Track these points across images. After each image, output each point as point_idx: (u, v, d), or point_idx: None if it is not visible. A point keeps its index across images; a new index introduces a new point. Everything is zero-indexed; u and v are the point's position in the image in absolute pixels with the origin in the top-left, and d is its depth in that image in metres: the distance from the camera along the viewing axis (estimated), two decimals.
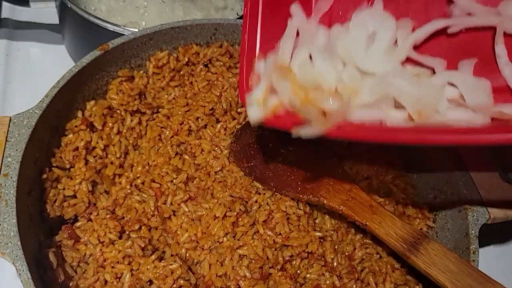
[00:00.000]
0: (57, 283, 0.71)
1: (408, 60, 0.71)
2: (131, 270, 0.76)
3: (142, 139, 0.91)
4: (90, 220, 0.81)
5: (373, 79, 0.66)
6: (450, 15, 0.70)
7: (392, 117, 0.64)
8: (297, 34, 0.74)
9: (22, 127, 0.75)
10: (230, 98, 0.96)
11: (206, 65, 1.01)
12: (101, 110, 0.88)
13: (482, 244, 0.80)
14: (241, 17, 1.10)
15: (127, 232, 0.80)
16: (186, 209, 0.83)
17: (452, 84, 0.66)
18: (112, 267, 0.76)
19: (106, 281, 0.75)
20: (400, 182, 0.91)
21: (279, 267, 0.78)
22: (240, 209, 0.81)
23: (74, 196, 0.81)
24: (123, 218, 0.81)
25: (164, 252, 0.79)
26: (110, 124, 0.88)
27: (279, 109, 0.67)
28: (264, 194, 0.85)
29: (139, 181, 0.85)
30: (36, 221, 0.76)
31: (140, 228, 0.80)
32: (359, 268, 0.82)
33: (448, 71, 0.68)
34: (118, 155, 0.87)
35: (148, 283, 0.75)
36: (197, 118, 0.94)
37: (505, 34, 0.66)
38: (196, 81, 0.99)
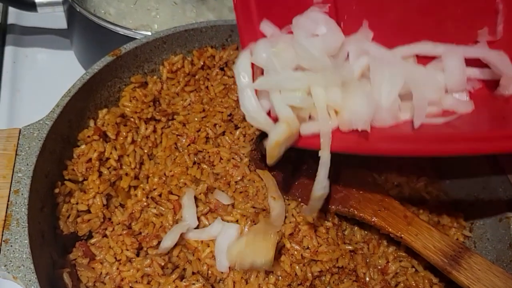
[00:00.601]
0: None
1: None
2: None
3: (158, 148, 0.86)
4: (105, 236, 0.76)
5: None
6: None
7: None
8: None
9: (32, 140, 0.70)
10: None
11: (222, 69, 0.96)
12: (114, 118, 0.83)
13: None
14: None
15: (145, 249, 0.75)
16: (207, 223, 0.78)
17: None
18: (130, 286, 0.71)
19: None
20: (433, 189, 0.86)
21: (308, 283, 0.73)
22: None
23: (88, 211, 0.76)
24: (140, 233, 0.76)
25: (184, 269, 0.74)
26: (124, 133, 0.83)
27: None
28: (289, 204, 0.79)
29: (155, 193, 0.80)
30: (49, 239, 0.71)
31: (158, 244, 0.75)
32: (393, 283, 0.76)
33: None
34: (133, 166, 0.82)
35: None
36: (215, 125, 0.89)
37: None
38: (212, 85, 0.94)
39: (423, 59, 0.73)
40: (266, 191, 0.80)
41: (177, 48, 0.93)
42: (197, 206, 0.79)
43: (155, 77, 0.92)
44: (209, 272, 0.74)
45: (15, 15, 1.30)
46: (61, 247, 0.74)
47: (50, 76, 1.21)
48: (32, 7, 1.13)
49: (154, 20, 1.05)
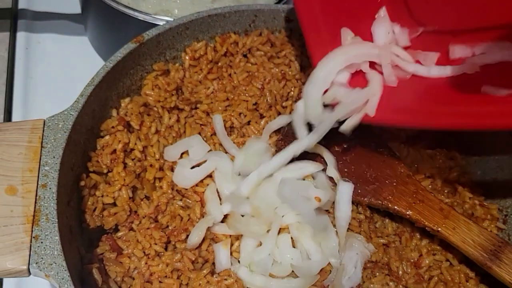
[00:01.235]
0: None
1: None
2: (180, 284, 0.69)
3: (181, 138, 0.83)
4: (131, 229, 0.74)
5: None
6: None
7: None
8: None
9: (57, 131, 0.67)
10: (274, 91, 0.88)
11: (245, 55, 0.93)
12: (137, 107, 0.81)
13: None
14: (280, 1, 1.02)
15: (173, 243, 0.73)
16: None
17: None
18: (160, 281, 0.69)
19: None
20: (466, 180, 0.83)
21: None
22: None
23: (114, 204, 0.74)
24: (167, 227, 0.74)
25: (213, 263, 0.72)
26: (148, 123, 0.81)
27: None
28: None
29: (180, 186, 0.78)
30: (76, 234, 0.69)
31: (186, 237, 0.73)
32: (426, 276, 0.74)
33: None
34: (157, 157, 0.79)
35: None
36: (240, 114, 0.87)
37: None
38: (235, 73, 0.91)
39: None
40: None
41: (200, 34, 0.90)
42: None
43: (177, 64, 0.89)
44: None
45: (26, 0, 1.26)
46: (87, 241, 0.72)
47: (64, 62, 1.18)
48: None
49: (173, 4, 1.01)
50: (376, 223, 0.78)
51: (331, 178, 0.77)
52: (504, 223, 0.80)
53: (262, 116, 0.87)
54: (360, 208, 0.77)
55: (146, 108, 0.83)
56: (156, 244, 0.71)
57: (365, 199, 0.76)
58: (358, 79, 0.75)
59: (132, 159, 0.78)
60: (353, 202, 0.77)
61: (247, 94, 0.88)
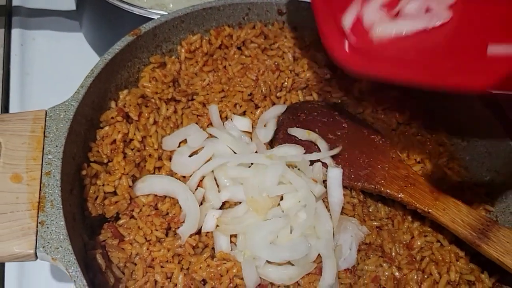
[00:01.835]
0: (108, 286, 0.66)
1: None
2: (181, 269, 0.71)
3: (179, 129, 0.85)
4: (132, 217, 0.76)
5: None
6: None
7: None
8: None
9: (59, 121, 0.69)
10: (269, 82, 0.90)
11: (239, 48, 0.95)
12: (135, 99, 0.83)
13: None
14: None
15: (173, 229, 0.75)
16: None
17: None
18: (162, 266, 0.71)
19: (156, 282, 0.70)
20: (454, 165, 0.86)
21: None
22: None
23: (115, 193, 0.76)
24: (167, 214, 0.76)
25: (213, 248, 0.74)
26: (146, 114, 0.83)
27: None
28: None
29: (179, 174, 0.80)
30: (79, 221, 0.71)
31: None
32: (418, 257, 0.77)
33: None
34: (156, 147, 0.81)
35: (202, 282, 0.70)
36: (235, 105, 0.89)
37: None
38: (230, 65, 0.93)
39: None
40: None
41: (195, 28, 0.92)
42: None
43: (173, 57, 0.91)
44: None
45: None
46: (89, 229, 0.74)
47: (59, 58, 1.19)
48: None
49: None
50: (370, 207, 0.81)
51: (325, 164, 0.80)
52: (492, 205, 0.83)
53: (257, 106, 0.90)
54: (353, 193, 0.80)
55: (144, 99, 0.85)
56: (157, 230, 0.73)
57: (359, 183, 0.78)
58: None
59: (132, 149, 0.80)
60: (346, 187, 0.79)
61: (242, 85, 0.90)
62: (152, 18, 0.88)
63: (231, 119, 0.86)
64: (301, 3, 0.94)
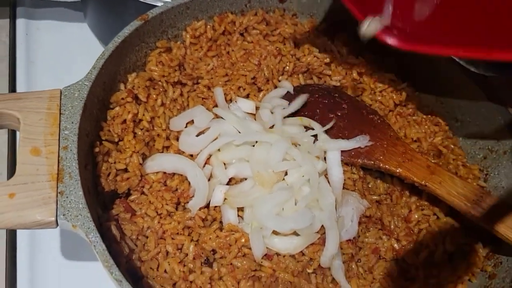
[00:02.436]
0: (123, 256, 0.69)
1: None
2: (191, 240, 0.74)
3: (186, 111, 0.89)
4: (143, 193, 0.79)
5: None
6: None
7: None
8: None
9: (74, 100, 0.72)
10: (271, 66, 0.94)
11: (241, 34, 0.99)
12: (144, 82, 0.86)
13: None
14: None
15: (182, 204, 0.79)
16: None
17: None
18: (172, 238, 0.74)
19: (167, 253, 0.73)
20: (449, 143, 0.90)
21: None
22: None
23: (126, 170, 0.79)
24: (176, 190, 0.79)
25: (221, 222, 0.78)
26: (154, 96, 0.86)
27: None
28: None
29: (187, 153, 0.83)
30: (93, 196, 0.74)
31: None
32: (416, 230, 0.81)
33: None
34: (164, 127, 0.85)
35: (212, 252, 0.74)
36: (239, 88, 0.92)
37: None
38: (233, 50, 0.97)
39: None
40: None
41: (199, 14, 0.95)
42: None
43: (178, 42, 0.94)
44: None
45: None
46: (102, 205, 0.77)
47: (63, 47, 1.22)
48: None
49: None
50: (369, 184, 0.85)
51: None
52: (485, 181, 0.88)
53: (260, 90, 0.93)
54: (354, 169, 0.84)
55: (151, 82, 0.88)
56: (167, 204, 0.77)
57: (359, 160, 0.82)
58: None
59: (141, 129, 0.83)
60: (347, 164, 0.83)
61: (245, 70, 0.94)
62: (156, 6, 0.91)
63: (236, 101, 0.89)
64: None
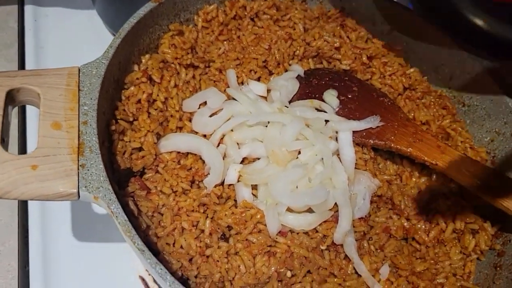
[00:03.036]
0: (141, 230, 0.70)
1: None
2: (207, 217, 0.75)
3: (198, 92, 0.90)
4: (157, 172, 0.80)
5: None
6: None
7: None
8: None
9: (92, 77, 0.73)
10: (282, 50, 0.95)
11: (252, 19, 1.00)
12: (157, 63, 0.87)
13: None
14: None
15: (197, 182, 0.80)
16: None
17: None
18: (188, 215, 0.75)
19: (183, 229, 0.74)
20: (457, 126, 0.92)
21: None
22: None
23: (141, 149, 0.80)
24: (191, 168, 0.80)
25: (235, 201, 0.79)
26: (168, 78, 0.87)
27: None
28: None
29: (200, 133, 0.85)
30: (109, 172, 0.75)
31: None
32: (426, 209, 0.83)
33: None
34: (177, 108, 0.86)
35: (227, 228, 0.75)
36: (250, 71, 0.93)
37: None
38: (243, 35, 0.98)
39: None
40: None
41: None
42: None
43: (190, 26, 0.95)
44: None
45: None
46: (116, 183, 0.78)
47: (72, 33, 1.22)
48: None
49: None
50: (379, 165, 0.86)
51: None
52: (492, 164, 0.89)
53: (271, 73, 0.94)
54: (365, 150, 0.85)
55: (164, 64, 0.89)
56: (182, 182, 0.78)
57: (370, 140, 0.84)
58: None
59: (155, 109, 0.84)
60: (358, 144, 0.85)
61: (256, 53, 0.95)
62: None
63: (247, 84, 0.91)
64: None
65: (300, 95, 0.90)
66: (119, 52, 0.79)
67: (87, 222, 0.93)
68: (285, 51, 0.95)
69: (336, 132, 0.84)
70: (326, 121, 0.85)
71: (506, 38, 0.80)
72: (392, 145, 0.82)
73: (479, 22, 0.81)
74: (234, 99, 0.87)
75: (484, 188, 0.75)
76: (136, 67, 0.86)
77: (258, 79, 0.93)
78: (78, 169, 0.64)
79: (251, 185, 0.79)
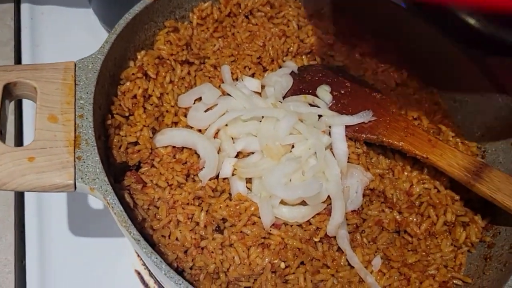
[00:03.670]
0: (137, 222, 0.71)
1: None
2: (201, 210, 0.77)
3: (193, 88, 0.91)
4: (153, 166, 0.81)
5: None
6: None
7: None
8: None
9: (88, 71, 0.74)
10: (276, 47, 0.96)
11: (246, 16, 1.01)
12: (153, 59, 0.88)
13: None
14: None
15: (192, 176, 0.81)
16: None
17: None
18: (183, 208, 0.77)
19: (179, 221, 0.75)
20: (448, 121, 0.93)
21: None
22: None
23: (137, 143, 0.81)
24: (186, 162, 0.81)
25: (230, 194, 0.80)
26: (163, 73, 0.88)
27: None
28: None
29: (195, 128, 0.86)
30: (106, 166, 0.76)
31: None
32: (417, 202, 0.84)
33: None
34: (172, 104, 0.87)
35: (222, 220, 0.76)
36: (245, 67, 0.95)
37: None
38: (238, 32, 0.99)
39: None
40: None
41: None
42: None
43: (185, 23, 0.97)
44: None
45: None
46: (112, 176, 0.79)
47: (68, 32, 1.23)
48: None
49: None
50: (372, 159, 0.88)
51: None
52: (482, 158, 0.91)
53: (265, 69, 0.96)
54: (357, 144, 0.86)
55: (160, 60, 0.90)
56: (177, 175, 0.79)
57: (362, 135, 0.85)
58: None
59: (151, 104, 0.85)
60: (351, 139, 0.86)
61: (250, 50, 0.96)
62: None
63: (242, 80, 0.92)
64: None
65: (294, 91, 0.91)
66: (114, 47, 0.80)
67: (83, 217, 0.94)
68: (279, 48, 0.96)
69: (329, 127, 0.85)
70: (320, 116, 0.86)
71: (498, 36, 0.81)
72: (384, 139, 0.83)
73: (471, 20, 0.82)
74: (228, 94, 0.89)
75: (474, 181, 0.77)
76: (131, 63, 0.87)
77: (253, 75, 0.95)
78: (75, 161, 0.65)
79: (246, 178, 0.80)
